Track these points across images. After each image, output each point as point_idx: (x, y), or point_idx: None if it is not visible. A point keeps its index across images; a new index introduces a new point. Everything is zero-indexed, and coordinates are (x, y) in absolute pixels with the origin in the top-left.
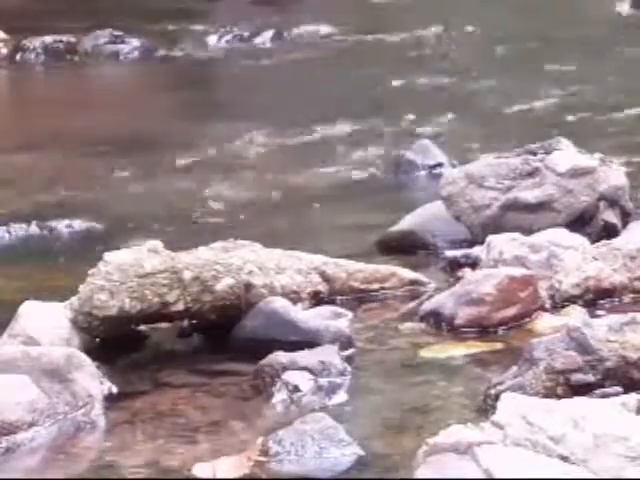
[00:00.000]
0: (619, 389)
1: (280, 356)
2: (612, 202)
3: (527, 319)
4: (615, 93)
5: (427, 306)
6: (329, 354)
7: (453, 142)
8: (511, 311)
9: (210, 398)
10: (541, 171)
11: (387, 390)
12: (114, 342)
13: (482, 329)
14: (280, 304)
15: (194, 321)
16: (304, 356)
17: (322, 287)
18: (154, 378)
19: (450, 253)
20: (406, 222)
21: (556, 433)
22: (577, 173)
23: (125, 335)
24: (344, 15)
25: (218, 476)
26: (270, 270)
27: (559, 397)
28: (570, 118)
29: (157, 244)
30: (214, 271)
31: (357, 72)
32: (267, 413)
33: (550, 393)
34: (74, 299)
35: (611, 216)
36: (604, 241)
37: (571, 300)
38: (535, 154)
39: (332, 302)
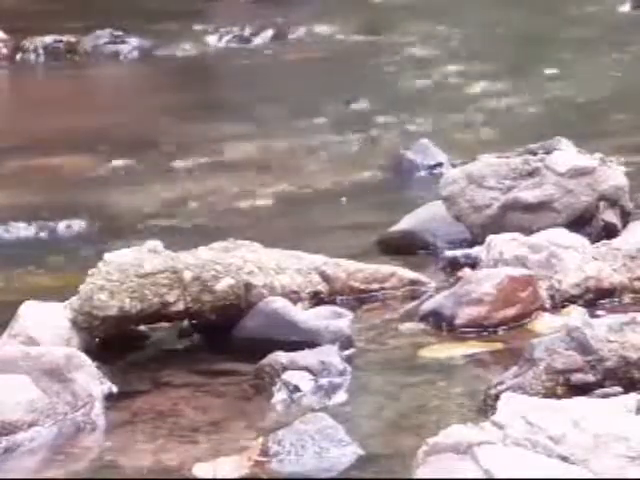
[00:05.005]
0: (619, 389)
1: (280, 356)
2: (612, 202)
3: (527, 319)
4: (615, 93)
5: (427, 306)
6: (329, 354)
7: (453, 142)
8: (511, 311)
9: (210, 398)
10: (541, 171)
11: (387, 390)
12: (114, 342)
13: (482, 329)
14: (280, 304)
15: (194, 321)
16: (304, 356)
17: (322, 287)
18: (154, 378)
19: (450, 253)
20: (406, 222)
21: (556, 433)
22: (577, 173)
23: (125, 335)
24: (345, 15)
25: (218, 476)
26: (270, 270)
27: (559, 397)
28: (570, 118)
29: (157, 244)
30: (214, 271)
31: (357, 72)
32: (267, 413)
33: (550, 393)
34: (74, 299)
35: (611, 216)
36: (604, 241)
37: (571, 300)
38: (535, 154)
39: (332, 302)
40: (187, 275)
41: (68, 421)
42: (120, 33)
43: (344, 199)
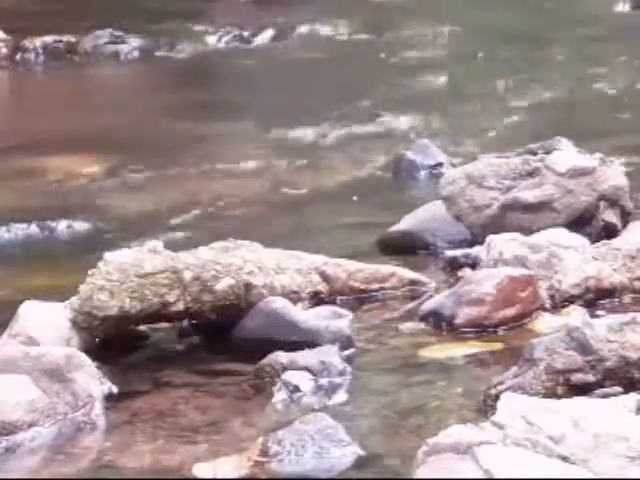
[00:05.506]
0: (619, 389)
1: (280, 356)
2: (612, 202)
3: (527, 319)
4: (615, 93)
5: (427, 306)
6: (329, 354)
7: (453, 142)
8: (511, 311)
9: (210, 398)
10: (541, 171)
11: (387, 390)
12: (114, 342)
13: (482, 329)
14: (280, 304)
15: (194, 321)
16: (304, 356)
17: (322, 287)
18: (154, 378)
19: (450, 253)
20: (406, 222)
21: (556, 433)
22: (577, 173)
23: (125, 335)
24: (345, 15)
25: (218, 476)
26: (270, 270)
27: (559, 397)
28: (570, 118)
29: (157, 244)
30: (214, 271)
31: (357, 72)
32: (267, 413)
33: (550, 393)
34: (74, 299)
35: (611, 216)
36: (604, 241)
37: (571, 300)
38: (535, 154)
39: (332, 302)
40: (187, 275)
41: (68, 421)
42: (120, 33)
43: (355, 198)
